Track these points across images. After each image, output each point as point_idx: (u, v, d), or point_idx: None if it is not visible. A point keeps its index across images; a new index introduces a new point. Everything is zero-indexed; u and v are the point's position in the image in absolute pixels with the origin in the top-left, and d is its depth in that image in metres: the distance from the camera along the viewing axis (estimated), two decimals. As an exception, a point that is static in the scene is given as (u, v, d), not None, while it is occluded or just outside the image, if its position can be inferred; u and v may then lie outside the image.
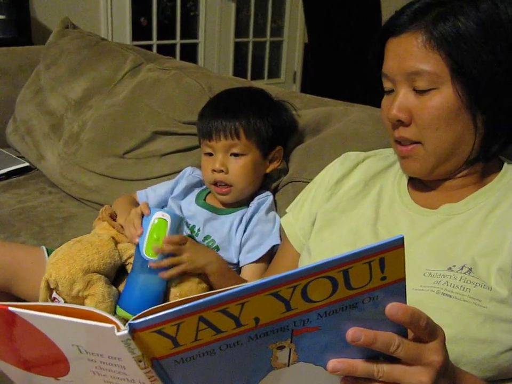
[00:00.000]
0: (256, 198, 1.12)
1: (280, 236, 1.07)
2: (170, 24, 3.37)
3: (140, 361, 0.47)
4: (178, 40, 3.42)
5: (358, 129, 1.13)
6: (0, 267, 1.02)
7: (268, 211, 1.10)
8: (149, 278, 0.91)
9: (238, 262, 1.08)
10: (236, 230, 1.08)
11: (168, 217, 0.92)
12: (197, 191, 1.18)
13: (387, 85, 0.78)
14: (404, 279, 0.46)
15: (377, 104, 0.84)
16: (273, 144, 1.11)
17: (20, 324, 0.49)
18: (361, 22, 2.71)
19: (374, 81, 0.82)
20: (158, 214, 0.92)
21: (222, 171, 1.06)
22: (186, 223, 1.10)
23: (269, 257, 1.07)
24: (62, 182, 1.59)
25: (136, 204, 1.14)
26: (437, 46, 0.71)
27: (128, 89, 1.58)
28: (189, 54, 3.52)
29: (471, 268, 0.70)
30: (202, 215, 1.10)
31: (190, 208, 1.13)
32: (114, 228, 1.02)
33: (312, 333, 0.47)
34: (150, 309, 0.47)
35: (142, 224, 0.93)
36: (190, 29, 3.50)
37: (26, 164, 1.74)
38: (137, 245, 0.92)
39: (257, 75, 3.98)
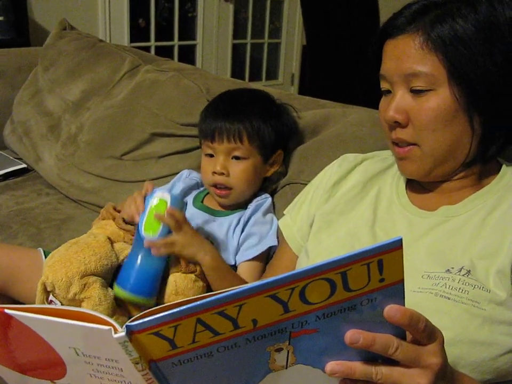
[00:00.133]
0: (255, 200, 1.12)
1: (278, 238, 1.07)
2: (168, 26, 3.36)
3: (137, 363, 0.47)
4: (176, 42, 3.41)
5: (356, 131, 1.13)
6: (-3, 269, 1.02)
7: (265, 213, 1.10)
8: (147, 257, 0.92)
9: (235, 262, 1.08)
10: (234, 232, 1.08)
11: (168, 198, 0.93)
12: (194, 193, 1.18)
13: (384, 86, 0.78)
14: (402, 281, 0.46)
15: (376, 106, 0.84)
16: (274, 148, 1.11)
17: (16, 326, 0.49)
18: (359, 24, 2.72)
19: (372, 83, 0.82)
20: (159, 194, 0.94)
21: (223, 173, 1.06)
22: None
23: (265, 258, 1.07)
24: (59, 183, 1.58)
25: None
26: (434, 48, 0.71)
27: (126, 90, 1.58)
28: (187, 55, 3.52)
29: (470, 270, 0.69)
30: (199, 217, 1.10)
31: (188, 210, 1.13)
32: (118, 224, 1.02)
33: (310, 335, 0.47)
34: (147, 311, 0.47)
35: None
36: (188, 30, 3.50)
37: (24, 165, 1.73)
38: (138, 224, 0.93)
39: (255, 77, 3.98)
